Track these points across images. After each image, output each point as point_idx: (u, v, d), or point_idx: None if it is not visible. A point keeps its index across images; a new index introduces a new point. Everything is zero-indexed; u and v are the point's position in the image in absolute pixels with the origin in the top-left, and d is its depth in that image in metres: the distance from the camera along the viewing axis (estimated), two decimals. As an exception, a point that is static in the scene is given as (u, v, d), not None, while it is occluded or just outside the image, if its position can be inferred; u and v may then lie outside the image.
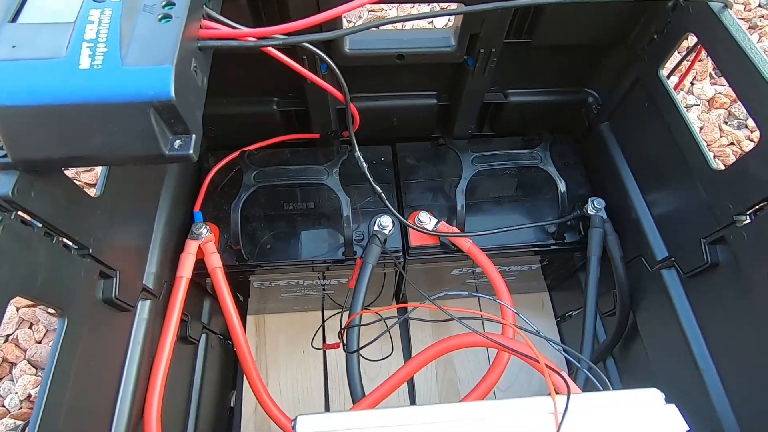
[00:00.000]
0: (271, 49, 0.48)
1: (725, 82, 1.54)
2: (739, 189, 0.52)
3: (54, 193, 0.42)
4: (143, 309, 0.59)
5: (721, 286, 0.56)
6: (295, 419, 0.35)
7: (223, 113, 0.77)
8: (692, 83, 1.50)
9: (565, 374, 0.41)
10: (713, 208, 0.56)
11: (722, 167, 0.54)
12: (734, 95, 1.47)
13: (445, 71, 0.75)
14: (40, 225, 0.41)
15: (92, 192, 0.49)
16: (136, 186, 0.60)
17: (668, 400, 0.37)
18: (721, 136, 1.39)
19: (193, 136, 0.39)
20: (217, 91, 0.76)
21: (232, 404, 0.93)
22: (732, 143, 1.39)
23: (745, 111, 1.46)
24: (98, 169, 1.25)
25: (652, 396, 0.37)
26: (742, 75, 0.50)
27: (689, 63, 0.64)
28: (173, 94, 0.35)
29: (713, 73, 1.54)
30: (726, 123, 1.43)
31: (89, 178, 1.22)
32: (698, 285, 0.60)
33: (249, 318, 0.97)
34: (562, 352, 0.51)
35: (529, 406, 0.35)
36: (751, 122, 1.41)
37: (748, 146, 1.37)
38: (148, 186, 0.65)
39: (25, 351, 1.02)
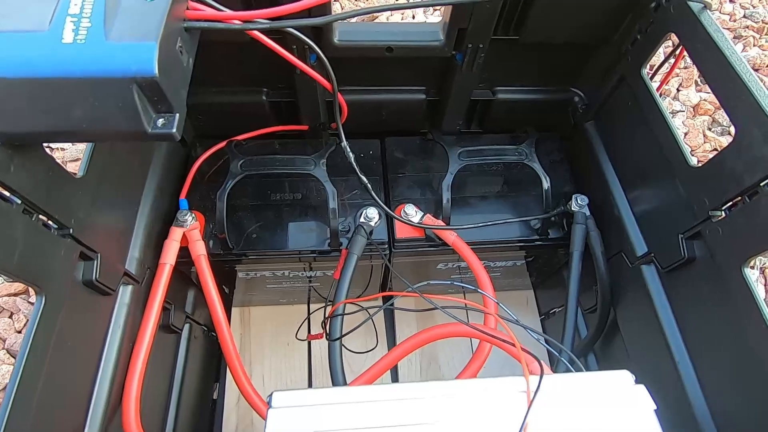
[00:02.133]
0: (258, 33, 0.48)
1: (709, 90, 1.58)
2: (715, 184, 0.53)
3: (35, 169, 0.42)
4: (125, 294, 0.58)
5: (697, 280, 0.58)
6: (271, 394, 0.35)
7: (213, 102, 0.77)
8: (678, 90, 1.53)
9: (539, 359, 0.42)
10: (691, 203, 0.57)
11: (700, 164, 0.55)
12: (718, 103, 1.51)
13: (433, 66, 0.75)
14: (19, 201, 0.41)
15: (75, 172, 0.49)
16: (121, 169, 0.59)
17: (638, 381, 0.38)
18: (704, 142, 1.42)
19: (177, 114, 0.39)
20: (207, 79, 0.76)
21: (214, 397, 0.92)
22: (715, 149, 1.42)
23: (727, 119, 1.49)
24: (81, 149, 1.24)
25: (623, 377, 0.38)
26: (719, 73, 0.52)
27: (672, 63, 0.66)
28: (156, 70, 0.35)
29: (699, 80, 1.57)
30: (710, 129, 1.46)
31: (75, 168, 1.21)
32: (676, 279, 0.62)
33: (234, 310, 0.96)
34: (543, 342, 0.52)
35: (503, 385, 0.35)
36: (733, 129, 1.44)
37: (731, 152, 1.40)
38: (134, 170, 0.64)
39: (4, 340, 1.00)
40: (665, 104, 0.62)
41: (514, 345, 0.41)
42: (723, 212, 0.53)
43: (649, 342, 0.66)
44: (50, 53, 0.35)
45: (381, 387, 0.35)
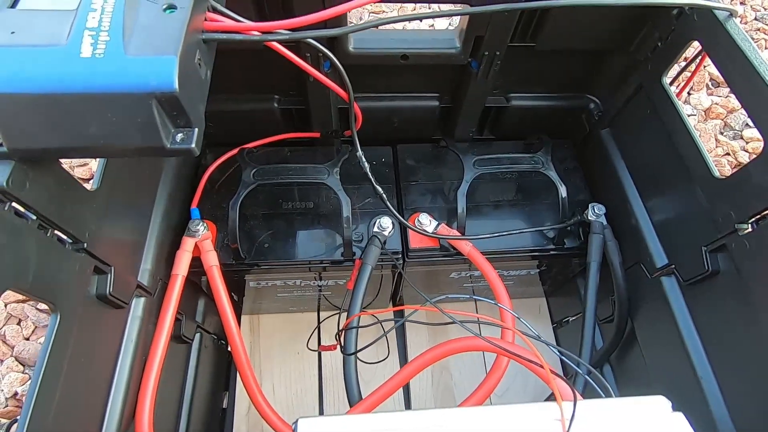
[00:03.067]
0: (275, 44, 0.47)
1: (722, 93, 1.56)
2: (742, 197, 0.52)
3: (49, 184, 0.41)
4: (137, 306, 0.58)
5: (722, 294, 0.56)
6: (296, 422, 0.34)
7: (224, 109, 0.77)
8: (689, 93, 1.51)
9: (570, 383, 0.40)
10: (714, 215, 0.56)
11: (724, 175, 0.54)
12: (730, 106, 1.49)
13: (447, 73, 0.74)
14: (34, 217, 0.40)
15: (88, 185, 0.48)
16: (133, 180, 0.59)
17: (675, 408, 0.37)
18: (716, 146, 1.41)
19: (196, 129, 0.38)
20: (218, 86, 0.75)
21: (224, 405, 0.91)
22: (727, 153, 1.40)
23: (740, 122, 1.47)
24: (93, 164, 1.23)
25: (659, 403, 0.37)
26: (747, 83, 0.50)
27: (692, 71, 0.64)
28: (177, 85, 0.34)
29: (710, 83, 1.55)
30: (722, 133, 1.45)
31: (83, 173, 1.20)
32: (698, 293, 0.60)
33: (243, 318, 0.96)
34: (561, 356, 0.51)
35: (533, 413, 0.34)
36: (746, 133, 1.42)
37: (743, 156, 1.38)
38: (145, 181, 0.64)
39: (12, 348, 1.00)
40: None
41: (541, 366, 0.40)
42: (750, 225, 0.52)
43: (669, 355, 0.64)
44: (68, 68, 0.34)
45: (407, 414, 0.34)
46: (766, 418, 0.51)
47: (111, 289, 0.50)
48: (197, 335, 0.78)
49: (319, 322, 0.92)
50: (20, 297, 1.03)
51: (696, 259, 0.58)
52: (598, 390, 0.47)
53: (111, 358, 0.53)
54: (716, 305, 0.58)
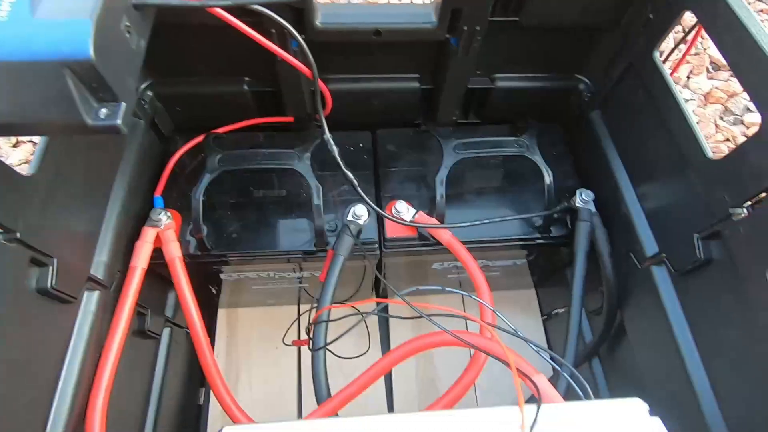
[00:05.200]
0: (225, 15, 0.43)
1: (722, 77, 1.51)
2: (737, 179, 0.48)
3: (-32, 168, 0.37)
4: (90, 301, 0.54)
5: (715, 284, 0.53)
6: (221, 430, 0.30)
7: (191, 92, 0.72)
8: (688, 77, 1.46)
9: (540, 379, 0.37)
10: (708, 201, 0.52)
11: (719, 156, 0.50)
12: (731, 90, 1.43)
13: (427, 52, 0.70)
14: (-51, 205, 0.36)
15: (24, 170, 0.44)
16: (83, 166, 0.55)
17: (653, 412, 0.33)
18: (716, 132, 1.36)
19: (123, 104, 0.34)
20: (183, 68, 0.71)
21: (200, 402, 0.88)
22: (727, 139, 1.35)
23: (741, 107, 1.42)
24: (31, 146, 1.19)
25: (635, 407, 0.33)
26: (744, 55, 0.46)
27: (687, 45, 0.60)
28: (92, 52, 0.30)
29: (710, 67, 1.50)
30: (722, 119, 1.40)
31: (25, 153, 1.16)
32: (690, 283, 0.57)
33: (221, 311, 0.92)
34: (542, 355, 0.47)
35: (494, 417, 0.31)
36: (747, 118, 1.37)
37: (744, 143, 1.34)
38: (99, 167, 0.60)
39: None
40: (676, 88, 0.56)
41: (509, 365, 0.37)
42: (745, 210, 0.47)
43: (659, 348, 0.61)
44: (-33, 33, 0.30)
45: (346, 421, 0.31)
46: (758, 413, 0.47)
47: (54, 283, 0.46)
48: (166, 330, 0.75)
49: (298, 315, 0.89)
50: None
51: (688, 247, 0.54)
52: (578, 392, 0.44)
53: (57, 355, 0.49)
54: (708, 296, 0.54)
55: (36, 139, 1.17)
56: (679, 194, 0.58)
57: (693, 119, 0.54)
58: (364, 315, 0.55)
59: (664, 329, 0.59)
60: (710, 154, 0.51)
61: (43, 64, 0.31)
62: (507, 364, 0.38)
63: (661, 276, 0.61)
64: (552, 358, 0.49)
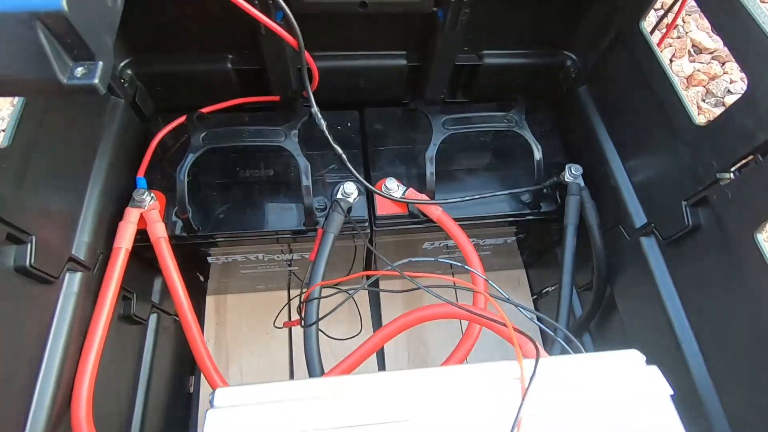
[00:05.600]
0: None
1: (704, 60, 1.53)
2: (723, 144, 0.48)
3: (-65, 135, 0.35)
4: (72, 282, 0.52)
5: (703, 250, 0.53)
6: (213, 392, 0.30)
7: (172, 71, 0.70)
8: (671, 60, 1.48)
9: (535, 341, 0.37)
10: (695, 167, 0.52)
11: (705, 122, 0.50)
12: (712, 72, 1.45)
13: (414, 27, 0.69)
14: None
15: (-3, 142, 0.42)
16: (60, 140, 0.53)
17: (649, 362, 0.33)
18: (699, 114, 1.38)
19: (100, 63, 0.33)
20: (164, 45, 0.69)
21: (190, 390, 0.87)
22: (709, 121, 1.38)
23: (722, 89, 1.44)
24: (5, 115, 1.14)
25: (632, 357, 0.33)
26: (732, 19, 0.46)
27: (674, 13, 0.60)
28: (64, 3, 0.29)
29: (692, 50, 1.52)
30: (704, 101, 1.42)
31: None
32: (678, 251, 0.57)
33: (209, 298, 0.91)
34: (536, 321, 0.47)
35: (493, 371, 0.30)
36: (728, 99, 1.39)
37: (725, 124, 1.36)
38: (79, 143, 0.57)
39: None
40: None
41: (505, 325, 0.36)
42: (732, 174, 0.48)
43: (649, 320, 0.61)
44: (-73, -19, 0.28)
45: (346, 379, 0.30)
46: (752, 381, 0.48)
47: (32, 261, 0.45)
48: (153, 316, 0.73)
49: (289, 299, 0.88)
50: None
51: (676, 215, 0.55)
52: (565, 346, 0.44)
53: (39, 338, 0.48)
54: (698, 263, 0.54)
55: (7, 106, 1.13)
56: (667, 163, 0.58)
57: (680, 88, 0.55)
58: (354, 291, 0.54)
59: (654, 299, 0.59)
60: (697, 121, 0.52)
61: (12, 15, 0.29)
62: (504, 324, 0.38)
63: (649, 246, 0.61)
64: (545, 324, 0.49)
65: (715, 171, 0.49)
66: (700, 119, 0.51)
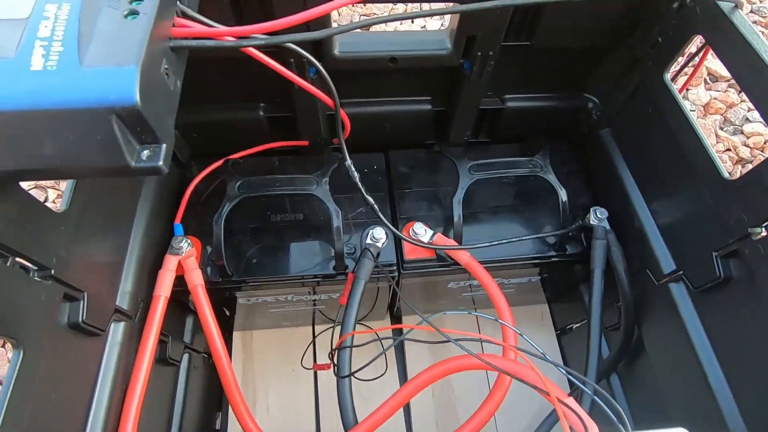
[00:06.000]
0: (252, 50, 0.44)
1: (720, 88, 1.53)
2: (754, 200, 0.49)
3: (7, 209, 0.38)
4: (116, 332, 0.54)
5: (735, 301, 0.53)
6: None
7: (207, 120, 0.73)
8: (687, 89, 1.49)
9: (571, 402, 0.37)
10: (725, 219, 0.52)
11: (733, 176, 0.51)
12: (729, 101, 1.46)
13: (439, 75, 0.71)
14: (-10, 245, 0.36)
15: (55, 206, 0.45)
16: (109, 196, 0.55)
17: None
18: (717, 142, 1.38)
19: (164, 145, 0.35)
20: (200, 95, 0.72)
21: (217, 426, 0.87)
22: (728, 149, 1.37)
23: (740, 117, 1.45)
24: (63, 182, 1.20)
25: (680, 436, 0.34)
26: (756, 78, 0.47)
27: (695, 66, 0.61)
28: (138, 98, 0.31)
29: (708, 78, 1.53)
30: (722, 129, 1.42)
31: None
32: (710, 300, 0.57)
33: (235, 334, 0.92)
34: (569, 376, 0.48)
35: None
36: (747, 128, 1.39)
37: (744, 152, 1.36)
38: (124, 196, 0.60)
39: (-4, 371, 0.96)
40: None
41: (548, 393, 0.37)
42: (764, 229, 0.48)
43: (680, 363, 0.61)
44: (17, 82, 0.31)
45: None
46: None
47: (84, 317, 0.47)
48: (185, 356, 0.75)
49: (314, 337, 0.89)
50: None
51: (706, 265, 0.55)
52: (606, 410, 0.44)
53: (87, 389, 0.49)
54: (729, 313, 0.54)
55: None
56: (694, 212, 0.59)
57: (706, 139, 0.56)
58: (390, 345, 0.55)
59: (685, 345, 0.59)
60: (726, 174, 0.53)
61: (90, 111, 0.31)
62: (545, 393, 0.38)
63: (679, 293, 0.61)
64: (575, 378, 0.50)
65: (746, 225, 0.50)
66: (717, 151, 0.52)
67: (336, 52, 0.61)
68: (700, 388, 0.57)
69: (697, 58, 0.64)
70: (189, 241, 0.65)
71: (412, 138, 0.82)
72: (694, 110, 1.45)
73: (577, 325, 0.89)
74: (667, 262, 0.63)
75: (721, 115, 1.43)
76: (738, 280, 0.53)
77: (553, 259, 0.73)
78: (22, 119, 0.31)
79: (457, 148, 0.78)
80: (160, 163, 0.34)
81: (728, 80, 1.48)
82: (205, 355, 0.84)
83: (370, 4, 1.46)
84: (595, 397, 0.50)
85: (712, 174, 0.54)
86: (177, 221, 0.68)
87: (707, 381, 0.56)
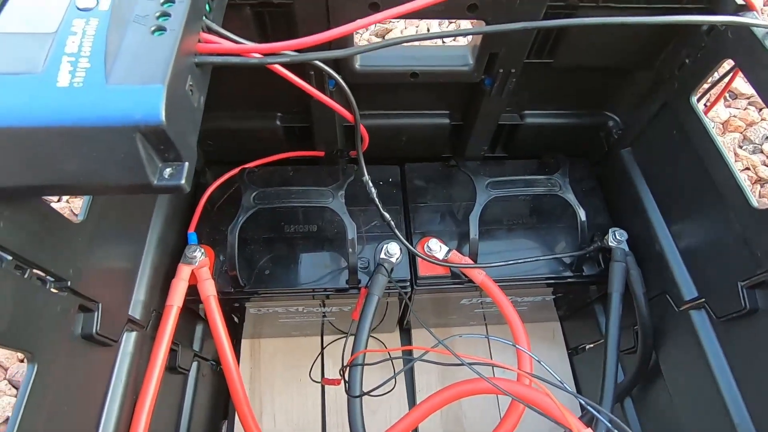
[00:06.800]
0: (278, 67, 0.43)
1: (740, 105, 1.51)
2: (785, 231, 0.47)
3: (28, 221, 0.38)
4: (128, 342, 0.54)
5: (760, 333, 0.52)
6: None
7: (223, 127, 0.73)
8: (705, 105, 1.46)
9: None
10: (753, 249, 0.51)
11: (763, 205, 0.49)
12: (749, 119, 1.43)
13: (459, 91, 0.71)
14: (9, 258, 0.36)
15: (73, 216, 0.45)
16: (125, 205, 0.55)
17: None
18: (736, 161, 1.35)
19: (186, 164, 0.35)
20: (217, 104, 0.71)
21: (222, 434, 0.87)
22: (747, 168, 1.35)
23: (760, 135, 1.42)
24: None
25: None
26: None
27: (721, 89, 0.60)
28: (164, 117, 0.31)
29: (727, 95, 1.50)
30: (741, 147, 1.39)
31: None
32: (733, 331, 0.56)
33: (244, 342, 0.92)
34: (587, 406, 0.46)
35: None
36: (766, 147, 1.37)
37: (764, 171, 1.33)
38: (139, 204, 0.60)
39: (6, 369, 0.96)
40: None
41: (565, 426, 0.36)
42: (794, 262, 0.47)
43: (699, 392, 0.59)
44: (43, 98, 0.31)
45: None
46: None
47: (98, 328, 0.46)
48: (194, 364, 0.74)
49: (322, 349, 0.88)
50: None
51: (731, 294, 0.53)
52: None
53: (98, 399, 0.49)
54: (754, 345, 0.53)
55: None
56: (719, 239, 0.57)
57: (734, 165, 0.54)
58: (405, 367, 0.54)
59: (705, 374, 0.58)
60: (755, 203, 0.51)
61: (115, 129, 0.31)
62: (563, 426, 0.37)
63: (700, 321, 0.60)
64: (591, 407, 0.48)
65: (775, 257, 0.48)
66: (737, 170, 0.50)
67: (357, 66, 0.61)
68: (721, 420, 0.55)
69: (723, 81, 0.63)
70: (202, 250, 0.65)
71: (428, 151, 0.82)
72: (713, 127, 1.43)
73: (591, 345, 0.87)
74: (688, 289, 0.61)
75: (741, 133, 1.41)
76: (764, 312, 0.51)
77: (569, 280, 0.72)
78: (46, 135, 0.31)
79: (473, 163, 0.77)
80: (182, 181, 0.34)
81: (748, 98, 1.46)
82: (213, 363, 0.83)
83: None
84: (609, 426, 0.49)
85: (739, 202, 0.52)
86: (191, 230, 0.68)
87: (729, 414, 0.55)
